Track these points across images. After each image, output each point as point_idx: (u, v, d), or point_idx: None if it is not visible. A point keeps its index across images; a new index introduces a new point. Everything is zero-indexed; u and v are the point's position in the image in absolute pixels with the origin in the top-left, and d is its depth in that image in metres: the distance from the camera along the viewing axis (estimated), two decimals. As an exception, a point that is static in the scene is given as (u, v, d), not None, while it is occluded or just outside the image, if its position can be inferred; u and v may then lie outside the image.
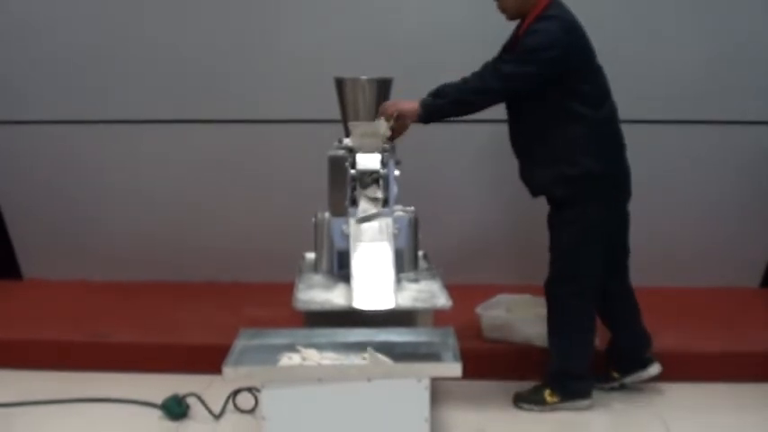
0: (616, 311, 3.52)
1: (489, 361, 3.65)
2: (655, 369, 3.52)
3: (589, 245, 3.27)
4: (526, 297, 3.95)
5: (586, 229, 3.24)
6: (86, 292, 4.68)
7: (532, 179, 3.34)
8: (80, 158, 4.77)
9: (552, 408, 3.36)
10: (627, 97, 3.46)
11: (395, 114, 3.20)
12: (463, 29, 4.44)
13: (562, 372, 3.37)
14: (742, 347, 3.78)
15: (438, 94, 3.22)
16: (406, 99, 3.24)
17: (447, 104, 3.21)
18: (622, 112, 3.38)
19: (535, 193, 3.38)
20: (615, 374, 3.55)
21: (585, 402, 3.38)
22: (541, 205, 4.58)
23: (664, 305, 4.18)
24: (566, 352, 3.37)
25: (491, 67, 3.23)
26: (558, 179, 3.23)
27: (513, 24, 3.35)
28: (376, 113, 3.33)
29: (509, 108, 3.35)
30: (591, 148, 3.21)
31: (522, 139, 3.35)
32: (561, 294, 3.32)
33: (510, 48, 3.33)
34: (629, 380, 3.54)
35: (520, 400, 3.41)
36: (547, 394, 3.37)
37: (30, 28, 4.60)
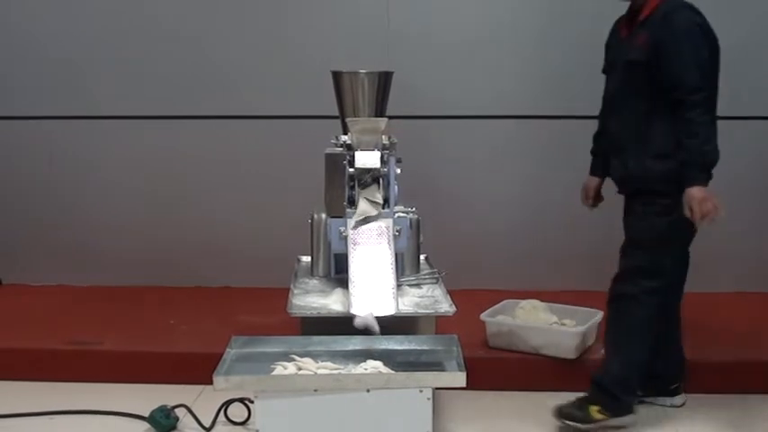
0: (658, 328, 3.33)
1: (495, 370, 3.58)
2: (678, 400, 3.42)
3: (680, 238, 3.14)
4: (534, 302, 3.87)
5: (681, 221, 3.04)
6: (69, 298, 4.60)
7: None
8: (64, 157, 4.73)
9: (598, 426, 3.16)
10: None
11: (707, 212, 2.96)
12: (464, 22, 4.44)
13: (618, 383, 3.17)
14: (762, 356, 3.68)
15: (695, 163, 2.96)
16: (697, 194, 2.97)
17: (710, 155, 2.98)
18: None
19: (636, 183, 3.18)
20: (638, 392, 3.39)
21: (630, 418, 3.21)
22: (549, 206, 4.54)
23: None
24: (629, 360, 3.18)
25: (690, 105, 2.94)
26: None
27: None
28: (375, 109, 3.29)
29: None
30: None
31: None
32: (635, 291, 3.12)
33: (628, 35, 3.15)
34: (649, 400, 3.42)
35: (563, 416, 3.19)
36: (594, 411, 3.15)
37: (19, 23, 4.62)
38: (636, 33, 3.09)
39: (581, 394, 3.22)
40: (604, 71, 3.34)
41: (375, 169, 3.06)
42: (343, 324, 2.87)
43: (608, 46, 3.35)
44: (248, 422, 3.17)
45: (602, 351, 3.58)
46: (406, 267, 3.30)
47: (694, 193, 2.94)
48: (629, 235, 3.22)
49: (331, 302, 3.03)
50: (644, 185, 3.12)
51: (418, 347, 2.87)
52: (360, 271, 2.93)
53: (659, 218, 3.09)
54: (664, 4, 3.02)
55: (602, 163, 3.39)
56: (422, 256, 3.49)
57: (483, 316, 3.74)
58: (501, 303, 3.91)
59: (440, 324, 3.11)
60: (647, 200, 3.12)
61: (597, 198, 3.45)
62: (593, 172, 3.44)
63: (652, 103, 3.05)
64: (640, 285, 3.13)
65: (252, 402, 2.67)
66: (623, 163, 3.17)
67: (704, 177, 2.97)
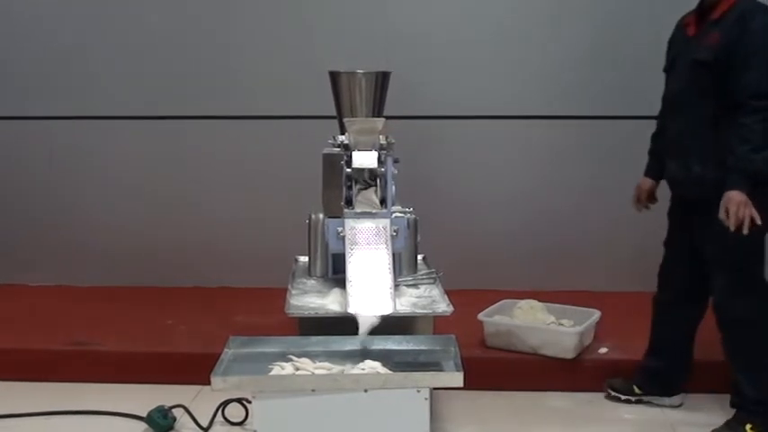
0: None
1: (493, 370, 3.57)
2: (677, 400, 3.42)
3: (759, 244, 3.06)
4: (532, 302, 3.87)
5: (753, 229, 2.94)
6: (69, 298, 4.59)
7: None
8: (64, 157, 4.74)
9: None
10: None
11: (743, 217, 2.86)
12: (464, 22, 4.46)
13: (757, 402, 3.08)
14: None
15: (739, 169, 2.87)
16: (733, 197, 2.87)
17: (755, 164, 2.87)
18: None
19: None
20: (637, 391, 3.42)
21: None
22: (548, 206, 4.52)
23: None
24: (763, 380, 3.09)
25: (751, 110, 2.86)
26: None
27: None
28: (373, 109, 3.26)
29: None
30: None
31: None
32: (742, 314, 3.05)
33: (696, 33, 3.07)
34: (647, 399, 3.42)
35: None
36: (749, 429, 3.08)
37: (18, 23, 4.64)
38: (706, 32, 3.00)
39: (583, 394, 3.22)
40: (665, 70, 3.23)
41: (372, 169, 3.04)
42: (340, 324, 2.84)
43: (671, 43, 3.23)
44: (246, 422, 3.17)
45: (603, 350, 3.59)
46: (403, 267, 3.28)
47: (734, 195, 2.84)
48: (708, 255, 3.08)
49: (329, 303, 3.01)
50: (703, 193, 3.01)
51: (416, 347, 2.85)
52: (357, 271, 2.90)
53: (738, 232, 2.89)
54: (741, 2, 2.94)
55: (658, 165, 3.27)
56: (419, 257, 3.47)
57: (481, 316, 3.73)
58: (499, 303, 3.90)
59: (437, 324, 3.08)
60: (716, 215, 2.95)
61: (651, 199, 3.35)
62: (647, 173, 3.34)
63: (718, 105, 2.96)
64: (741, 306, 3.03)
65: (249, 402, 2.67)
66: (686, 166, 3.06)
67: (745, 184, 2.85)
